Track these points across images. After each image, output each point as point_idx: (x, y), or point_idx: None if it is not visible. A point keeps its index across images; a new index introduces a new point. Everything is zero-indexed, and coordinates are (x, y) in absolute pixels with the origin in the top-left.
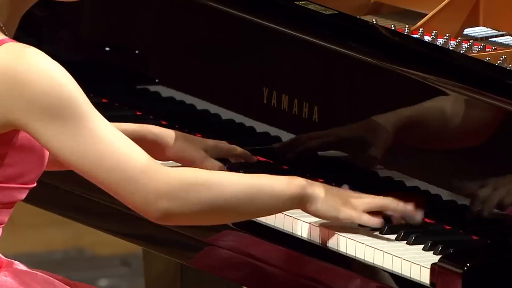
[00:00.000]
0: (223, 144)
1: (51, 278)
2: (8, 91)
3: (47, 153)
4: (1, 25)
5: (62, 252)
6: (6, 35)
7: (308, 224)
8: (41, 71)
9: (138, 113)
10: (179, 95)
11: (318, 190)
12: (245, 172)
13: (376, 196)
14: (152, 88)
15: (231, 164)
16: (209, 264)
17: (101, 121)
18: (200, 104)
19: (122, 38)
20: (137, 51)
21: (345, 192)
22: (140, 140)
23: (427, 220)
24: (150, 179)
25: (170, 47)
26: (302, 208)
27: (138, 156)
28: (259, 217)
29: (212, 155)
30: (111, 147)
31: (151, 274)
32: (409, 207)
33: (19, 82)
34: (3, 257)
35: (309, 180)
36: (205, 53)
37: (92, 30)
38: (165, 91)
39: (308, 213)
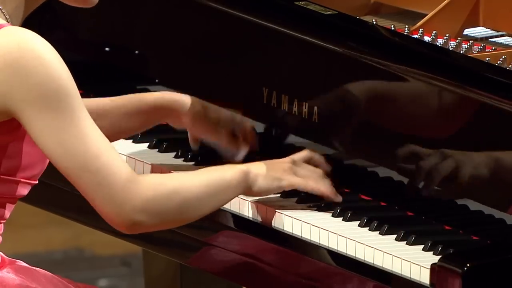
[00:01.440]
0: (238, 116)
1: (53, 275)
2: (7, 77)
3: None
4: (5, 12)
5: (62, 252)
6: (8, 21)
7: (309, 224)
8: (41, 60)
9: None
10: None
11: (258, 169)
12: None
13: (297, 154)
14: (152, 88)
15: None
16: (208, 264)
17: (90, 123)
18: None
19: (122, 38)
20: (137, 51)
21: (273, 161)
22: (163, 109)
23: (427, 219)
24: (126, 190)
25: (170, 47)
26: (248, 192)
27: (120, 165)
28: (216, 209)
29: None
30: (97, 150)
31: (151, 274)
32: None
33: (19, 69)
34: (5, 256)
35: (246, 164)
36: (205, 53)
37: (92, 30)
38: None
39: (253, 195)
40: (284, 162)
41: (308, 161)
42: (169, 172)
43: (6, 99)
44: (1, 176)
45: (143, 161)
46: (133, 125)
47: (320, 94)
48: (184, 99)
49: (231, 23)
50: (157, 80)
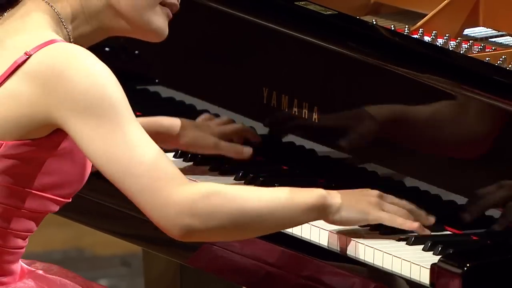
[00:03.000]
0: (228, 126)
1: (67, 281)
2: (54, 88)
3: (88, 170)
4: (70, 32)
5: (62, 252)
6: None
7: (309, 224)
8: (86, 69)
9: (138, 113)
10: (179, 95)
11: (340, 198)
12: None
13: (392, 196)
14: (152, 88)
15: (225, 168)
16: (208, 264)
17: (137, 128)
18: (200, 104)
19: (122, 38)
20: (137, 51)
21: (360, 192)
22: (152, 134)
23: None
24: (172, 194)
25: (170, 47)
26: (324, 218)
27: (167, 170)
28: (281, 230)
29: (222, 139)
30: (142, 155)
31: (151, 274)
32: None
33: (66, 79)
34: (24, 265)
35: (328, 190)
36: (205, 53)
37: None
38: (165, 91)
39: (332, 223)
40: (372, 194)
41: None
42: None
43: (52, 109)
44: (35, 192)
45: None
46: None
47: (320, 94)
48: (176, 124)
49: (231, 23)
50: (157, 80)
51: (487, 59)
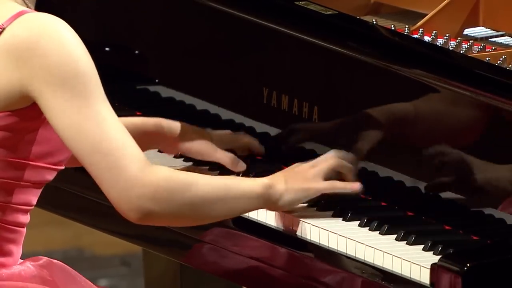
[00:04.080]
0: (229, 135)
1: (70, 269)
2: (28, 60)
3: None
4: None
5: (61, 252)
6: (29, 7)
7: (309, 224)
8: (62, 41)
9: (138, 113)
10: (179, 95)
11: (279, 184)
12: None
13: (321, 159)
14: (152, 88)
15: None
16: (208, 264)
17: (107, 107)
18: (200, 104)
19: (122, 38)
20: (137, 51)
21: (295, 169)
22: (149, 134)
23: (427, 220)
24: (138, 175)
25: (170, 47)
26: (271, 207)
27: (134, 151)
28: (230, 217)
29: (220, 147)
30: (111, 133)
31: (151, 274)
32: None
33: (40, 50)
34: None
35: (270, 176)
36: (205, 53)
37: (92, 30)
38: (165, 91)
39: (278, 209)
40: (305, 169)
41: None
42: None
43: (27, 82)
44: (29, 162)
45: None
46: None
47: (320, 94)
48: (176, 126)
49: (231, 23)
50: (157, 80)
51: (487, 59)
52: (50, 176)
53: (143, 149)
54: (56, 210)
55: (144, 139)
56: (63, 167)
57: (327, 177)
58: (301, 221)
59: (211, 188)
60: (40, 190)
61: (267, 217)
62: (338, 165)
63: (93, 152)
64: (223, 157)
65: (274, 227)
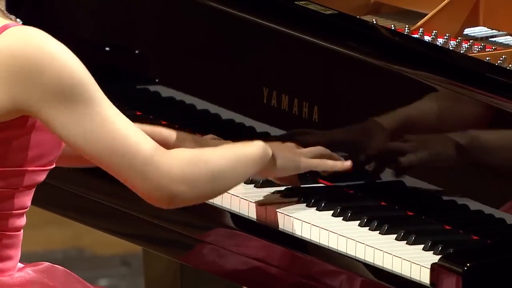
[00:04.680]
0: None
1: (72, 273)
2: (19, 77)
3: None
4: (3, 10)
5: (61, 252)
6: (11, 20)
7: (309, 224)
8: (52, 56)
9: (138, 113)
10: (179, 95)
11: (275, 148)
12: None
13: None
14: (152, 88)
15: None
16: (208, 264)
17: (111, 107)
18: (200, 104)
19: (122, 38)
20: (137, 51)
21: (279, 144)
22: None
23: (427, 220)
24: (160, 164)
25: (170, 47)
26: (266, 168)
27: (146, 142)
28: (238, 184)
29: None
30: (122, 132)
31: (151, 274)
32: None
33: (31, 67)
34: (21, 265)
35: (267, 143)
36: (205, 53)
37: (92, 30)
38: (165, 91)
39: (272, 173)
40: (292, 145)
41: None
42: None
43: (21, 100)
44: (20, 169)
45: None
46: None
47: (320, 94)
48: (173, 134)
49: (231, 23)
50: (157, 80)
51: (487, 58)
52: (42, 177)
53: None
54: (56, 210)
55: None
56: (53, 166)
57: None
58: (301, 221)
59: (225, 161)
60: (33, 190)
61: (267, 217)
62: (326, 152)
63: (110, 155)
64: None
65: (274, 227)
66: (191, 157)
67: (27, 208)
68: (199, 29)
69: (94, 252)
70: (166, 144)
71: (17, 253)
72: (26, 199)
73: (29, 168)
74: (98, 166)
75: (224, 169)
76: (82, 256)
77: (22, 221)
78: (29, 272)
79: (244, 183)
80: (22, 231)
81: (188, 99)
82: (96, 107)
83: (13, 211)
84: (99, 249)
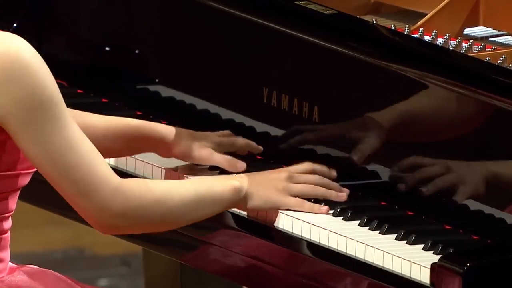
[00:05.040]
0: (227, 139)
1: (63, 276)
2: None
3: None
4: None
5: (61, 252)
6: None
7: (309, 224)
8: (27, 68)
9: (138, 113)
10: (179, 95)
11: (252, 187)
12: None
13: (306, 177)
14: (152, 88)
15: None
16: (208, 264)
17: (76, 129)
18: (200, 104)
19: (122, 38)
20: (137, 51)
21: (271, 175)
22: (145, 138)
23: (427, 220)
24: (109, 197)
25: (170, 47)
26: (239, 207)
27: (104, 173)
28: (197, 221)
29: (219, 150)
30: (80, 158)
31: (151, 274)
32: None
33: (5, 76)
34: (14, 264)
35: (239, 177)
36: (205, 53)
37: (92, 30)
38: (165, 91)
39: (245, 210)
40: (280, 178)
41: (310, 173)
42: (182, 177)
43: None
44: (4, 173)
45: (152, 164)
46: (118, 148)
47: (320, 94)
48: (171, 132)
49: (231, 23)
50: (157, 80)
51: (487, 58)
52: (26, 181)
53: (132, 152)
54: (56, 210)
55: (139, 143)
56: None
57: (299, 194)
58: (301, 221)
59: (183, 198)
60: (18, 193)
61: (268, 217)
62: (314, 169)
63: (64, 179)
64: (221, 160)
65: (274, 227)
66: (144, 195)
67: (12, 211)
68: (199, 29)
69: (94, 252)
70: (163, 141)
71: (5, 255)
72: (10, 202)
73: (8, 172)
74: (48, 182)
75: (181, 208)
76: (82, 256)
77: (8, 224)
78: (20, 277)
79: None
80: (9, 233)
81: (188, 99)
82: (60, 128)
83: (1, 215)
84: (99, 249)
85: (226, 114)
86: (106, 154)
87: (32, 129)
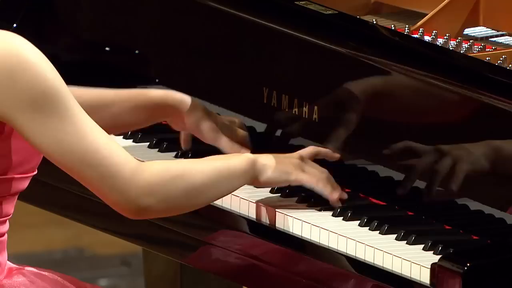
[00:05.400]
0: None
1: (60, 278)
2: None
3: None
4: None
5: (61, 252)
6: None
7: (309, 224)
8: (27, 63)
9: None
10: None
11: (267, 159)
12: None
13: (318, 166)
14: (152, 88)
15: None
16: (208, 264)
17: (85, 117)
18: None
19: (122, 38)
20: (137, 51)
21: (282, 155)
22: (162, 107)
23: (427, 220)
24: (131, 177)
25: (170, 47)
26: (254, 181)
27: (121, 154)
28: (219, 198)
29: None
30: (95, 143)
31: (151, 274)
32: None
33: (5, 74)
34: (12, 264)
35: (258, 155)
36: (205, 53)
37: (92, 30)
38: None
39: (260, 185)
40: (293, 157)
41: (316, 156)
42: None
43: None
44: (4, 177)
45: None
46: (136, 120)
47: (320, 94)
48: (187, 101)
49: (231, 23)
50: (157, 80)
51: (487, 58)
52: (24, 185)
53: (149, 122)
54: (56, 210)
55: (153, 111)
56: (35, 172)
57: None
58: (301, 221)
59: (202, 174)
60: (15, 198)
61: (267, 217)
62: (317, 151)
63: (82, 166)
64: (226, 145)
65: (274, 227)
66: (165, 171)
67: (9, 215)
68: (199, 29)
69: (94, 252)
70: (177, 109)
71: (3, 258)
72: (8, 206)
73: (8, 176)
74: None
75: (201, 183)
76: (82, 256)
77: (5, 227)
78: (19, 279)
79: None
80: (6, 235)
81: None
82: (69, 116)
83: None
84: (99, 249)
85: (226, 114)
86: (125, 127)
87: (39, 121)
